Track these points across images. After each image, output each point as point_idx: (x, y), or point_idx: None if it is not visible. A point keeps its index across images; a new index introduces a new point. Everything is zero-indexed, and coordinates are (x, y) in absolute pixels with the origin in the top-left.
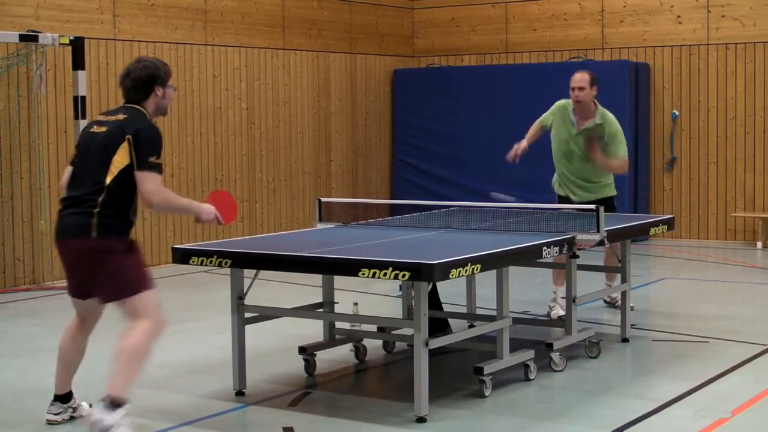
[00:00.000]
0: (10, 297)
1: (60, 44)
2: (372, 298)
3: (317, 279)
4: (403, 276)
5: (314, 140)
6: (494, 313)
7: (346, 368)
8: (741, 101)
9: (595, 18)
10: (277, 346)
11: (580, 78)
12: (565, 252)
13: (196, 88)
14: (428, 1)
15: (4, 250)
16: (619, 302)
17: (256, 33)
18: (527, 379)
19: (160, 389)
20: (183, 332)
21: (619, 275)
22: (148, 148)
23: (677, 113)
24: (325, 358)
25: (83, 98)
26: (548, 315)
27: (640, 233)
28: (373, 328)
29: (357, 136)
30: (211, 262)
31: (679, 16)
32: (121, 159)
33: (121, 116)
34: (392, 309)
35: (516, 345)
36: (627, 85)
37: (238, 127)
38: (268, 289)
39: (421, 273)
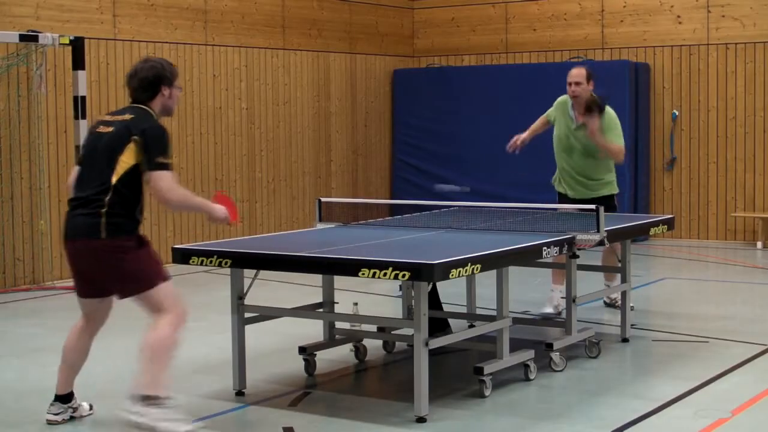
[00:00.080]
0: (10, 297)
1: (60, 44)
2: (372, 298)
3: (317, 279)
4: (403, 276)
5: (314, 140)
6: (494, 313)
7: (346, 368)
8: (741, 101)
9: (595, 18)
10: (277, 346)
11: (577, 73)
12: (565, 252)
13: (196, 88)
14: (428, 1)
15: (4, 250)
16: (619, 302)
17: (256, 33)
18: (527, 379)
19: None
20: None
21: (618, 275)
22: (156, 148)
23: (677, 113)
24: (325, 358)
25: (83, 98)
26: (551, 307)
27: (640, 233)
28: (373, 328)
29: (357, 136)
30: (211, 262)
31: (679, 16)
32: (127, 159)
33: (127, 116)
34: (392, 309)
35: (516, 345)
36: (627, 85)
37: (238, 127)
38: (268, 289)
39: (421, 273)
